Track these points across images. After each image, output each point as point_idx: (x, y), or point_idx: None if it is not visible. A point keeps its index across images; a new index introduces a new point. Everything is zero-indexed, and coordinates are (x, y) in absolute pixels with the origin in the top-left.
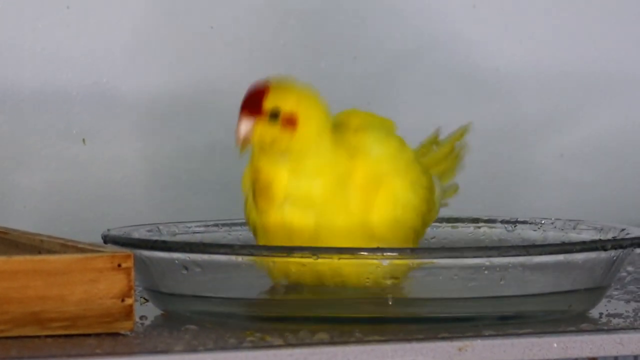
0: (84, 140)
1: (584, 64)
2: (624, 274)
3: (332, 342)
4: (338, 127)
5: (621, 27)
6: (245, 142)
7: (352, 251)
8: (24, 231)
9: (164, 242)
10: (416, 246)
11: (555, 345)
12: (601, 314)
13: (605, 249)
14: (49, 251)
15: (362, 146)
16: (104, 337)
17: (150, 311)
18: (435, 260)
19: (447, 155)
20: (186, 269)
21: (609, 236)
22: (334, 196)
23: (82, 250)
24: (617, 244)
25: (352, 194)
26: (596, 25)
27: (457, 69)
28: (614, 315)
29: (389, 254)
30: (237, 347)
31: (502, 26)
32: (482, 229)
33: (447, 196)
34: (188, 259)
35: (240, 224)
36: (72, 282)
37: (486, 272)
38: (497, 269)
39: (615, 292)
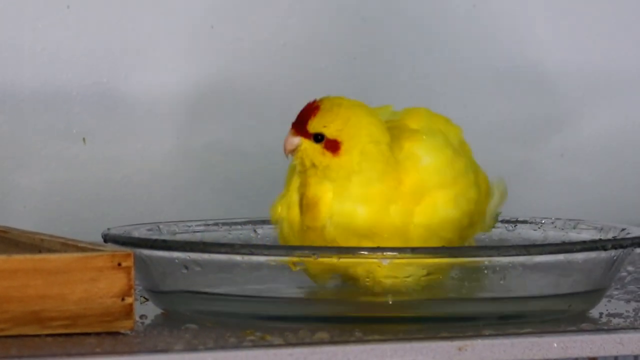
0: (84, 139)
1: (585, 64)
2: (624, 273)
3: (332, 342)
4: (395, 128)
5: (622, 27)
6: (290, 155)
7: (351, 251)
8: (24, 230)
9: (164, 241)
10: None
11: (555, 345)
12: (601, 313)
13: (605, 249)
14: (49, 250)
15: (412, 155)
16: (104, 336)
17: (150, 310)
18: (435, 260)
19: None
20: (186, 268)
21: (609, 236)
22: (376, 220)
23: (82, 249)
24: (618, 243)
25: (394, 208)
26: (597, 25)
27: (456, 70)
28: (614, 315)
29: (388, 253)
30: (237, 346)
31: (502, 26)
32: None
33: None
34: (188, 258)
35: (241, 223)
36: (72, 281)
37: (486, 271)
38: (498, 268)
39: (616, 292)
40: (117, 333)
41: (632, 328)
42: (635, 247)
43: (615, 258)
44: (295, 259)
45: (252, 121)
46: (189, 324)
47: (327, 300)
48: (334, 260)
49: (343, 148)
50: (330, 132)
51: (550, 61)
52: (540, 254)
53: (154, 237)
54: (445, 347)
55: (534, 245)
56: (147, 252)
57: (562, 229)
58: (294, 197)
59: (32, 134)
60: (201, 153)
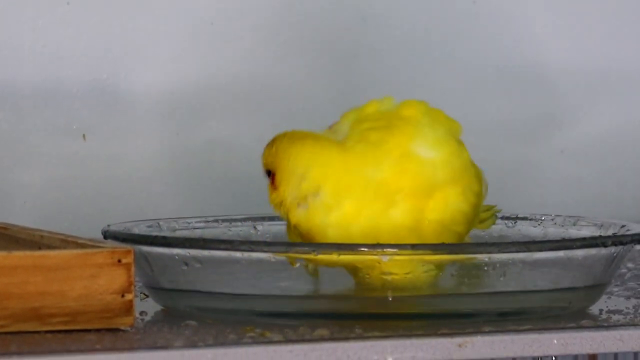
0: (84, 136)
1: (585, 61)
2: (624, 270)
3: (332, 338)
4: (394, 123)
5: (622, 26)
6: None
7: (351, 247)
8: (24, 227)
9: (164, 237)
10: None
11: (555, 341)
12: (601, 310)
13: (605, 246)
14: (49, 247)
15: (417, 150)
16: (104, 332)
17: (150, 307)
18: (435, 257)
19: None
20: (186, 264)
21: (609, 232)
22: (376, 227)
23: (82, 245)
24: (618, 240)
25: (402, 207)
26: (597, 23)
27: (456, 68)
28: (614, 312)
29: (388, 249)
30: (237, 342)
31: (502, 24)
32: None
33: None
34: (188, 254)
35: (240, 220)
36: (72, 278)
37: (486, 268)
38: (497, 265)
39: (616, 289)
40: (117, 329)
41: (632, 325)
42: (635, 244)
43: (615, 255)
44: (295, 255)
45: (252, 118)
46: (188, 320)
47: (327, 297)
48: (334, 257)
49: (277, 177)
50: (271, 167)
51: (551, 59)
52: (540, 250)
53: (154, 233)
54: (445, 343)
55: (534, 242)
56: (147, 248)
57: (562, 226)
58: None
59: (32, 131)
60: (201, 150)
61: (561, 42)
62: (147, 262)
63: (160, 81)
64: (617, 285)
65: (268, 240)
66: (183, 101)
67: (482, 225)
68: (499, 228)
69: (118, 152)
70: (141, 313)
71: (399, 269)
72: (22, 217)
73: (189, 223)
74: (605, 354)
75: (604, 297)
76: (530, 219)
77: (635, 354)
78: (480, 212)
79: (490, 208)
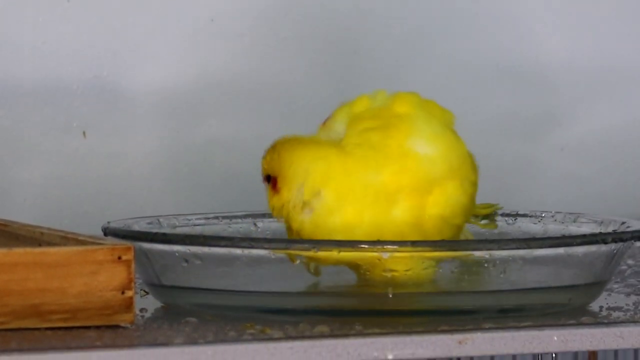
0: (84, 133)
1: (585, 59)
2: (624, 267)
3: (332, 335)
4: (387, 118)
5: (622, 23)
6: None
7: (352, 244)
8: (24, 223)
9: (164, 234)
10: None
11: (555, 338)
12: (601, 307)
13: (605, 242)
14: (49, 243)
15: (413, 146)
16: (104, 329)
17: (150, 304)
18: (435, 253)
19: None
20: (186, 261)
21: (610, 229)
22: (379, 226)
23: (82, 242)
24: (618, 237)
25: (403, 205)
26: (597, 21)
27: (456, 64)
28: (614, 309)
29: (389, 246)
30: (237, 339)
31: (502, 22)
32: (482, 222)
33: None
34: (188, 251)
35: (241, 217)
36: (72, 275)
37: (486, 265)
38: (498, 262)
39: (616, 286)
40: (117, 326)
41: (632, 321)
42: (635, 241)
43: (615, 251)
44: (295, 252)
45: (251, 115)
46: (189, 317)
47: (327, 294)
48: (334, 253)
49: (279, 181)
50: (269, 169)
51: (551, 56)
52: (541, 247)
53: (154, 230)
54: (445, 340)
55: (534, 239)
56: (147, 245)
57: (562, 223)
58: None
59: (32, 128)
60: (201, 147)
61: (561, 40)
62: (147, 259)
63: (160, 79)
64: (617, 282)
65: (268, 237)
66: (183, 99)
67: (489, 225)
68: (499, 225)
69: (118, 149)
70: (141, 310)
71: (400, 265)
72: (22, 214)
73: (189, 220)
74: (605, 351)
75: (604, 294)
76: (530, 216)
77: (636, 350)
78: (481, 209)
79: (490, 206)
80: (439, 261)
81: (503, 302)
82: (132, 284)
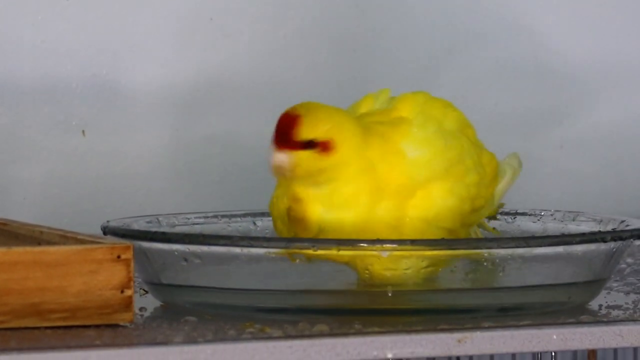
0: (83, 132)
1: (585, 56)
2: (624, 265)
3: (331, 334)
4: (385, 121)
5: (622, 19)
6: (280, 174)
7: (351, 242)
8: (23, 222)
9: (163, 233)
10: None
11: (554, 337)
12: (601, 305)
13: (604, 241)
14: (49, 242)
15: (401, 149)
16: (104, 328)
17: (149, 302)
18: (434, 252)
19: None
20: (185, 260)
21: (609, 228)
22: (365, 222)
23: (81, 241)
24: (617, 235)
25: (385, 204)
26: (597, 17)
27: (457, 61)
28: (614, 307)
29: (388, 245)
30: (236, 338)
31: (502, 17)
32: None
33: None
34: (187, 250)
35: (240, 216)
36: (71, 274)
37: (486, 263)
38: (497, 260)
39: (615, 284)
40: (116, 325)
41: (632, 320)
42: (634, 239)
43: (614, 250)
44: (294, 251)
45: (251, 113)
46: (188, 316)
47: (326, 292)
48: (333, 252)
49: (336, 146)
50: (321, 134)
51: (551, 53)
52: (540, 246)
53: (153, 229)
54: (444, 338)
55: (533, 237)
56: (146, 244)
57: (562, 221)
58: (284, 199)
59: (31, 127)
60: (200, 145)
61: (561, 36)
62: (146, 258)
63: (159, 76)
64: (616, 281)
65: (267, 235)
66: (182, 96)
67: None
68: (498, 223)
69: (117, 147)
70: (140, 309)
71: (398, 264)
72: (21, 213)
73: (189, 219)
74: (604, 350)
75: (603, 292)
76: (529, 214)
77: (635, 349)
78: (499, 199)
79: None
80: (436, 261)
81: (502, 300)
82: (132, 283)
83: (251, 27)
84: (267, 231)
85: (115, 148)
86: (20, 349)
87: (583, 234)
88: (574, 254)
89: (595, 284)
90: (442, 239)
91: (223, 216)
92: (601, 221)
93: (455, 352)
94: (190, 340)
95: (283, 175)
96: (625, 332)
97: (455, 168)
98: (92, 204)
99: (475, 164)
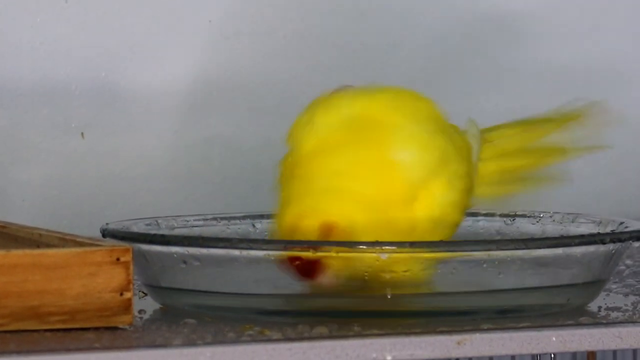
0: (82, 134)
1: (584, 58)
2: (623, 267)
3: (330, 336)
4: (364, 127)
5: (623, 22)
6: None
7: (350, 245)
8: (22, 225)
9: (162, 236)
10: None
11: (553, 339)
12: (600, 307)
13: (604, 243)
14: (48, 245)
15: (388, 156)
16: (103, 331)
17: (149, 305)
18: (433, 254)
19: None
20: (185, 262)
21: (608, 230)
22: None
23: (80, 244)
24: (616, 237)
25: (393, 217)
26: (597, 19)
27: (456, 64)
28: (613, 309)
29: (387, 247)
30: (235, 341)
31: (502, 20)
32: (480, 223)
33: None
34: (187, 252)
35: (239, 218)
36: (70, 276)
37: (485, 265)
38: (496, 262)
39: (614, 286)
40: (115, 328)
41: (631, 322)
42: (633, 241)
43: (613, 252)
44: (293, 253)
45: (251, 115)
46: (187, 318)
47: (325, 295)
48: (332, 254)
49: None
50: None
51: (550, 55)
52: (539, 247)
53: (153, 231)
54: (443, 341)
55: (533, 239)
56: (145, 246)
57: (561, 223)
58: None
59: (30, 129)
60: (200, 147)
61: (561, 38)
62: (145, 261)
63: (158, 79)
64: (615, 283)
65: (266, 238)
66: (182, 98)
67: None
68: (497, 225)
69: (117, 149)
70: (140, 311)
71: (398, 266)
72: (20, 215)
73: (188, 221)
74: (604, 351)
75: (602, 294)
76: (528, 216)
77: (634, 351)
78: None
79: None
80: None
81: (501, 302)
82: (131, 286)
83: (250, 28)
84: (266, 233)
85: (114, 150)
86: (19, 352)
87: (582, 236)
88: (573, 256)
89: (594, 286)
90: (441, 241)
91: (222, 218)
92: (600, 223)
93: (454, 354)
94: (190, 343)
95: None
96: (624, 333)
97: (447, 161)
98: (91, 206)
99: (459, 151)
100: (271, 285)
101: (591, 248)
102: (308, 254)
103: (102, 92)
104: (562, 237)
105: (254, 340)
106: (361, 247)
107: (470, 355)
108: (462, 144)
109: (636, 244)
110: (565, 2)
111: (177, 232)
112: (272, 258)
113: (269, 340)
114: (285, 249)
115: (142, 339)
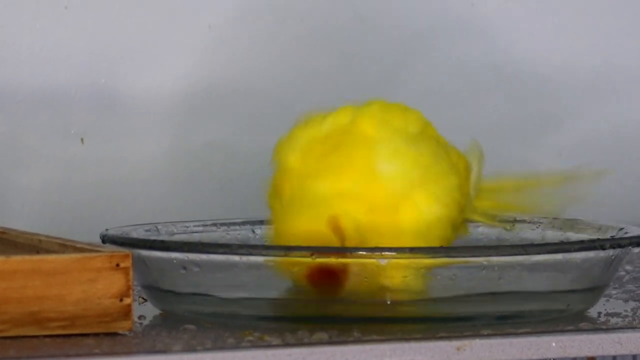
0: (82, 139)
1: (583, 63)
2: (623, 273)
3: (330, 342)
4: (350, 141)
5: (620, 26)
6: None
7: (350, 251)
8: (22, 231)
9: (162, 241)
10: None
11: (553, 344)
12: (600, 313)
13: (603, 248)
14: (48, 251)
15: (376, 170)
16: (103, 337)
17: (148, 311)
18: (433, 260)
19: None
20: (184, 268)
21: (608, 235)
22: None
23: (80, 250)
24: (616, 243)
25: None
26: (595, 23)
27: (454, 68)
28: (613, 315)
29: (387, 253)
30: (235, 347)
31: (501, 24)
32: (480, 228)
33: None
34: (186, 258)
35: (239, 224)
36: (70, 282)
37: (484, 271)
38: (496, 268)
39: (614, 292)
40: (115, 334)
41: (631, 327)
42: (633, 247)
43: (613, 257)
44: (293, 259)
45: (250, 121)
46: (187, 324)
47: (325, 301)
48: (332, 260)
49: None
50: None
51: (548, 59)
52: (539, 253)
53: (152, 237)
54: (443, 346)
55: (532, 245)
56: (145, 252)
57: (560, 229)
58: None
59: (30, 134)
60: (199, 153)
61: (559, 42)
62: (145, 266)
63: (158, 84)
64: (615, 288)
65: (266, 244)
66: (181, 104)
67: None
68: (497, 231)
69: (116, 155)
70: (140, 317)
71: (397, 272)
72: (20, 221)
73: (187, 227)
74: (603, 357)
75: (602, 299)
76: (528, 222)
77: (634, 356)
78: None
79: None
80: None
81: (501, 308)
82: (131, 291)
83: (249, 34)
84: (265, 239)
85: (114, 155)
86: (19, 358)
87: (582, 242)
88: (573, 262)
89: (594, 292)
90: (441, 247)
91: (222, 224)
92: (600, 229)
93: (454, 359)
94: (190, 349)
95: None
96: (624, 339)
97: (433, 175)
98: (91, 211)
99: (450, 165)
100: (271, 291)
101: (591, 254)
102: (330, 260)
103: (101, 97)
104: (561, 242)
105: (254, 346)
106: (361, 252)
107: None
108: (457, 161)
109: (636, 250)
110: (563, 6)
111: (176, 237)
112: (272, 264)
113: (269, 345)
114: (285, 255)
115: (141, 344)
